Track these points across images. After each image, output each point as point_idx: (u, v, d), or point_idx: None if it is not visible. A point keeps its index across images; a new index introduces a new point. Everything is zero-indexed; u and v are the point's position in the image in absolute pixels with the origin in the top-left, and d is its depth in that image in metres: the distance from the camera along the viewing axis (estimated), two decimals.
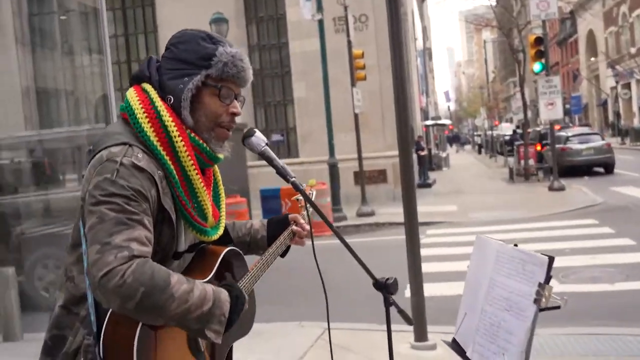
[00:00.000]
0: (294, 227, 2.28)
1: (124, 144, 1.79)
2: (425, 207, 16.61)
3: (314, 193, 2.41)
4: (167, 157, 1.84)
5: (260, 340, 5.93)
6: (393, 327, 1.93)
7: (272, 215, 2.38)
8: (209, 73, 1.88)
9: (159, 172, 1.81)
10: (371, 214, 15.36)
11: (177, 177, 1.85)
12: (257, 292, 2.15)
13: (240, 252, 2.10)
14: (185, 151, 1.85)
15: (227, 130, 1.94)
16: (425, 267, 7.85)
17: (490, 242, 1.81)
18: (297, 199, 2.35)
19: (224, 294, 1.79)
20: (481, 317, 1.75)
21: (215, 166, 2.06)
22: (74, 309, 1.83)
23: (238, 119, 1.99)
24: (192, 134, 1.88)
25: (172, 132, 1.83)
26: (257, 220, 2.35)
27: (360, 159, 15.59)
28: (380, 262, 9.69)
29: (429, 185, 23.40)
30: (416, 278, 5.35)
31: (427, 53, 49.02)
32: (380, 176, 18.10)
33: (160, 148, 1.83)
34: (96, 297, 1.68)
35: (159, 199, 1.80)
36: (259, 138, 1.99)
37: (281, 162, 1.99)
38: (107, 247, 1.65)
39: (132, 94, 1.91)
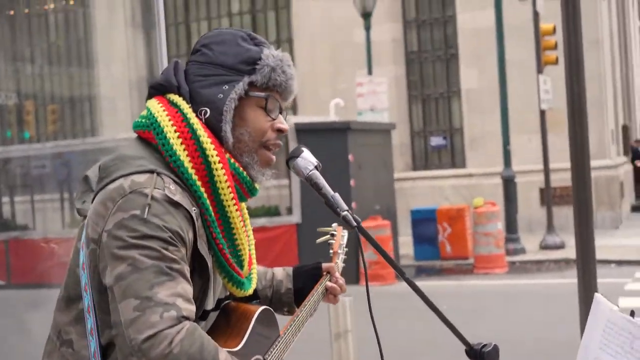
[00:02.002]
0: (329, 283, 2.30)
1: (151, 171, 1.83)
2: (638, 240, 15.76)
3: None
4: (202, 189, 1.88)
5: None
6: None
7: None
8: (253, 80, 1.94)
9: (194, 208, 1.86)
10: (560, 246, 14.85)
11: (213, 214, 1.90)
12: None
13: (273, 312, 2.14)
14: (226, 181, 1.90)
15: (272, 153, 2.01)
16: None
17: (603, 306, 1.71)
18: (329, 243, 2.40)
19: None
20: None
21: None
22: None
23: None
24: (232, 160, 1.94)
25: (212, 156, 1.88)
26: (280, 269, 2.38)
27: (547, 171, 15.12)
28: (564, 315, 9.26)
29: None
30: None
31: None
32: None
33: (195, 177, 1.88)
34: None
35: (195, 243, 1.85)
36: (307, 159, 2.03)
37: (331, 191, 2.00)
38: (148, 303, 1.71)
39: (156, 107, 1.94)
